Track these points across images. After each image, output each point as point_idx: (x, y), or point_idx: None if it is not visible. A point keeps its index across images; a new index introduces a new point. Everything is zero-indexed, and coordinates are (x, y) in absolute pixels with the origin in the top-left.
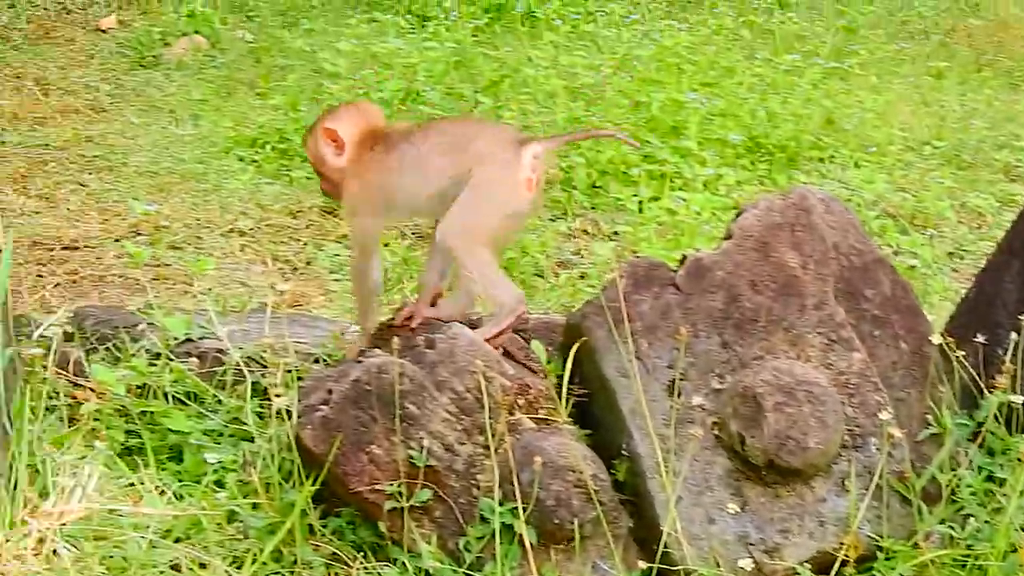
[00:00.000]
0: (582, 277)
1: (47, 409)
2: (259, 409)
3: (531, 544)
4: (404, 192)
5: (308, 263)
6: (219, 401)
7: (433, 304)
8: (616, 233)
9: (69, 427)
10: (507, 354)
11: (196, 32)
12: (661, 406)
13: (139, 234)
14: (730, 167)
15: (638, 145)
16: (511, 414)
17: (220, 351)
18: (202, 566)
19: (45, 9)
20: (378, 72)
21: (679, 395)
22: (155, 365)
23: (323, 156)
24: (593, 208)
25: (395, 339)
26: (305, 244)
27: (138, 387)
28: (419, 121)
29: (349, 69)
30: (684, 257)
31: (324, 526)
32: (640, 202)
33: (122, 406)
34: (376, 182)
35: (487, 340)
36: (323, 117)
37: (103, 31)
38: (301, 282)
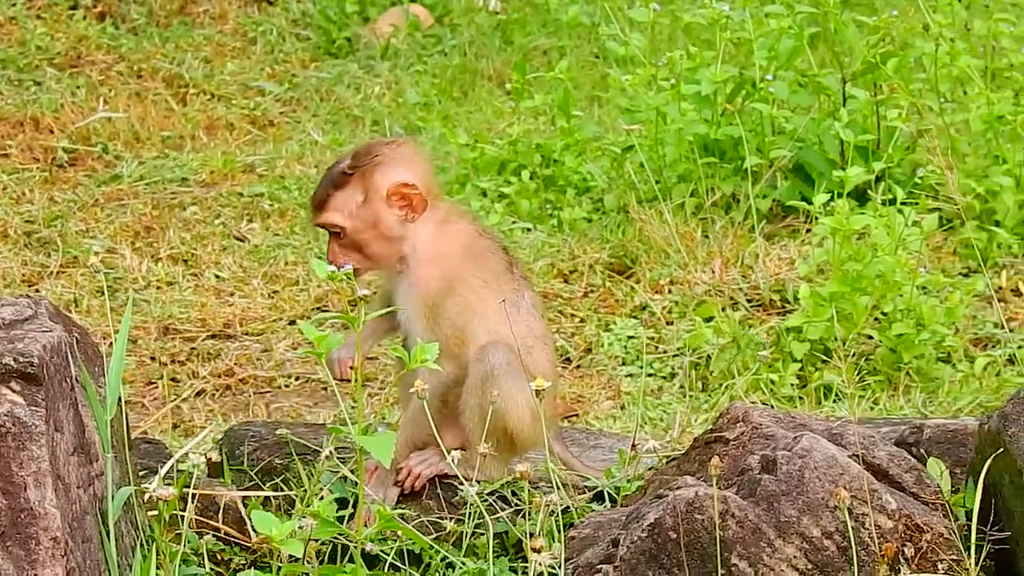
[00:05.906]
0: (1011, 362)
1: None
2: (506, 574)
3: None
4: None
5: (588, 350)
6: (450, 565)
7: None
8: None
9: None
10: (883, 477)
11: (413, 0)
12: None
13: (324, 310)
14: None
15: None
16: (894, 571)
17: (451, 485)
18: None
19: None
20: (692, 55)
21: None
22: (349, 510)
23: (381, 219)
24: None
25: (715, 460)
26: (582, 322)
27: (323, 543)
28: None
29: (649, 51)
30: None
31: None
32: None
33: (303, 575)
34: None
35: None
36: (381, 154)
37: (270, 2)
38: (577, 378)
